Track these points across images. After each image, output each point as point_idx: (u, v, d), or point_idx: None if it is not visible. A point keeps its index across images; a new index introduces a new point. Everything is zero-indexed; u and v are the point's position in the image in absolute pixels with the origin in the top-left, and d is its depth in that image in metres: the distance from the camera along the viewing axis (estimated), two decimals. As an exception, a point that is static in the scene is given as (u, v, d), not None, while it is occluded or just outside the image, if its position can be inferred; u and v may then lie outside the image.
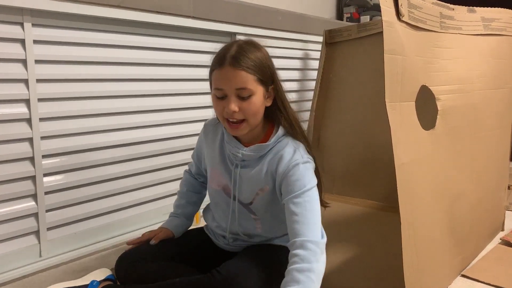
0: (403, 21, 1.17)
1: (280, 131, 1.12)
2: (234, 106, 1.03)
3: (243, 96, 1.04)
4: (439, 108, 1.32)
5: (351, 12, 3.13)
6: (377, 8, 3.17)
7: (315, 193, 1.06)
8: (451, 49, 1.40)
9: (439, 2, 1.36)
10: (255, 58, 1.05)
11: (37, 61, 1.32)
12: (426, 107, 1.32)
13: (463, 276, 1.38)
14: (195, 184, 1.38)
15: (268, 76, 1.08)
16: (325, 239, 1.05)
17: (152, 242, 1.24)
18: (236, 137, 1.15)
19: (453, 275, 1.37)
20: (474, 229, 1.51)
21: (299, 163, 1.06)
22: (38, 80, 1.33)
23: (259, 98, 1.06)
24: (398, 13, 1.15)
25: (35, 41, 1.31)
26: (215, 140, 1.21)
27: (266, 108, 1.11)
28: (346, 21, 3.15)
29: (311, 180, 1.07)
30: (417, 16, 1.24)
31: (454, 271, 1.38)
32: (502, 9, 1.62)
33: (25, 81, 1.31)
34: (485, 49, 1.54)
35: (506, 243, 1.62)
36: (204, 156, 1.28)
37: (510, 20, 1.64)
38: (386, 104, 1.08)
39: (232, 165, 1.16)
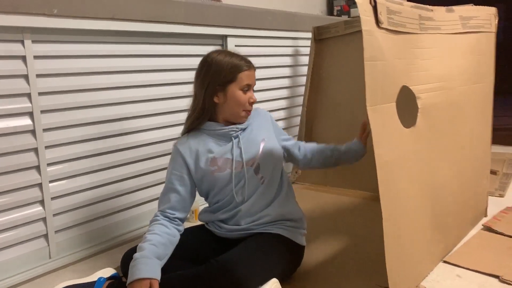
0: (382, 28, 1.25)
1: None
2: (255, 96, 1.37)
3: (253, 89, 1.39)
4: (419, 106, 1.40)
5: (341, 5, 3.18)
6: (366, 0, 3.22)
7: None
8: (431, 49, 1.47)
9: (418, 4, 1.43)
10: None
11: (38, 75, 1.40)
12: (407, 106, 1.40)
13: (445, 262, 1.48)
14: (168, 238, 1.28)
15: None
16: None
17: None
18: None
19: (435, 261, 1.46)
20: (456, 218, 1.61)
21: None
22: (40, 93, 1.41)
23: None
24: (377, 21, 1.22)
25: (35, 57, 1.39)
26: (197, 141, 1.36)
27: None
28: (336, 14, 3.21)
29: None
30: (397, 21, 1.31)
31: (436, 258, 1.48)
32: (480, 6, 1.69)
33: (28, 95, 1.38)
34: (464, 46, 1.61)
35: (488, 229, 1.72)
36: (191, 167, 1.34)
37: (487, 17, 1.71)
38: (367, 108, 1.16)
39: (229, 140, 1.36)
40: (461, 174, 1.63)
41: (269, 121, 1.48)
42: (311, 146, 1.55)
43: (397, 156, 1.28)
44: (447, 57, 1.54)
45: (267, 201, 1.37)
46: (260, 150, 1.38)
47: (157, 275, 1.15)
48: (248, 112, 1.38)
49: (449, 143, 1.55)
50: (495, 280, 1.36)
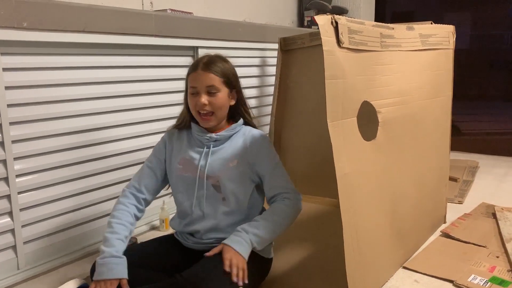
0: (343, 47, 1.31)
1: (241, 120, 1.42)
2: (204, 100, 1.31)
3: (211, 92, 1.32)
4: (380, 120, 1.47)
5: (311, 16, 3.26)
6: (336, 11, 3.32)
7: None
8: (391, 66, 1.55)
9: (379, 23, 1.50)
10: (221, 65, 1.35)
11: (7, 87, 1.41)
12: (368, 120, 1.47)
13: (404, 268, 1.56)
14: (128, 214, 1.36)
15: (231, 81, 1.37)
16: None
17: None
18: (206, 129, 1.39)
19: (395, 268, 1.54)
20: (416, 225, 1.69)
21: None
22: (9, 105, 1.42)
23: (223, 95, 1.34)
24: (338, 41, 1.28)
25: (5, 69, 1.40)
26: (181, 138, 1.43)
27: (231, 108, 1.39)
28: (307, 24, 3.29)
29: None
30: (358, 40, 1.38)
31: (396, 264, 1.55)
32: (438, 25, 1.79)
33: (-4, 107, 1.39)
34: (423, 62, 1.70)
35: (446, 235, 1.81)
36: (167, 156, 1.43)
37: (445, 35, 1.81)
38: (328, 123, 1.23)
39: (203, 148, 1.38)
40: (420, 183, 1.72)
41: (255, 147, 1.37)
42: (272, 204, 1.38)
43: (358, 168, 1.35)
44: (407, 73, 1.62)
45: (231, 223, 1.37)
46: (224, 170, 1.35)
47: (126, 275, 1.22)
48: (203, 116, 1.33)
49: (408, 154, 1.63)
50: (450, 285, 1.44)
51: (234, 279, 1.18)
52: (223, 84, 1.34)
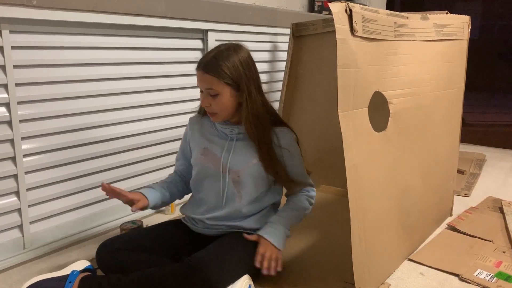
0: (357, 36, 1.29)
1: None
2: (205, 102, 1.29)
3: (212, 94, 1.27)
4: (391, 111, 1.45)
5: (322, 1, 3.21)
6: (347, -3, 3.26)
7: None
8: (404, 56, 1.52)
9: (393, 12, 1.47)
10: (224, 64, 1.25)
11: (15, 66, 1.39)
12: (379, 111, 1.45)
13: (410, 260, 1.55)
14: (178, 181, 1.50)
15: (233, 79, 1.27)
16: None
17: (133, 209, 1.32)
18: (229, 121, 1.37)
19: (400, 260, 1.54)
20: (422, 218, 1.68)
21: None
22: (17, 84, 1.41)
23: (226, 96, 1.27)
24: (352, 30, 1.26)
25: (13, 47, 1.38)
26: (202, 127, 1.41)
27: None
28: (317, 9, 3.24)
29: None
30: (372, 29, 1.35)
31: (402, 256, 1.55)
32: (454, 15, 1.75)
33: (5, 86, 1.38)
34: (437, 53, 1.67)
35: (452, 228, 1.80)
36: (190, 146, 1.44)
37: (460, 25, 1.77)
38: (339, 113, 1.21)
39: (227, 139, 1.36)
40: (428, 175, 1.70)
41: (282, 148, 1.37)
42: (289, 199, 1.48)
43: (367, 159, 1.33)
44: (420, 64, 1.59)
45: (244, 215, 1.37)
46: (245, 167, 1.33)
47: (151, 199, 1.37)
48: (210, 113, 1.32)
49: (418, 146, 1.62)
50: (455, 279, 1.44)
51: (264, 272, 1.26)
52: (224, 85, 1.26)
